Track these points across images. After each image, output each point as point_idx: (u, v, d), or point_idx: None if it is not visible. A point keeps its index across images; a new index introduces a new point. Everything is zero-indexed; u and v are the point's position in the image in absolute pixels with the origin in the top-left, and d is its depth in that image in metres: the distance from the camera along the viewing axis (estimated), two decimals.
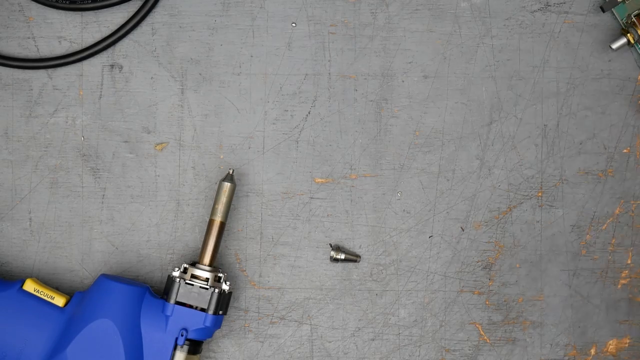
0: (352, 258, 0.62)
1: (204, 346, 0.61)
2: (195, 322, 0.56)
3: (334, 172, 0.62)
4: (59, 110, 0.62)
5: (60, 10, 0.62)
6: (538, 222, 0.62)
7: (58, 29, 0.62)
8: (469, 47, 0.62)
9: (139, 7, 0.61)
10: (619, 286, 0.62)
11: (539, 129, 0.62)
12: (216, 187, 0.62)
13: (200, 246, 0.62)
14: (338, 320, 0.62)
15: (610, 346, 0.62)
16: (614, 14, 0.61)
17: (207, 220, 0.61)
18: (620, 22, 0.61)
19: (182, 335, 0.56)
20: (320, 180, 0.62)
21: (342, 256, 0.61)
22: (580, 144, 0.62)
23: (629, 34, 0.59)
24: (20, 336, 0.56)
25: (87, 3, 0.61)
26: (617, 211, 0.62)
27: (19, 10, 0.62)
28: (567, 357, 0.62)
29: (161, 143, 0.62)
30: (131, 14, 0.62)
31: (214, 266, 0.59)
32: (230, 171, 0.58)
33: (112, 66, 0.62)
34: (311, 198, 0.62)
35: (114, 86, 0.62)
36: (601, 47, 0.62)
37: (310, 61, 0.62)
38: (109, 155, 0.62)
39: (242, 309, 0.62)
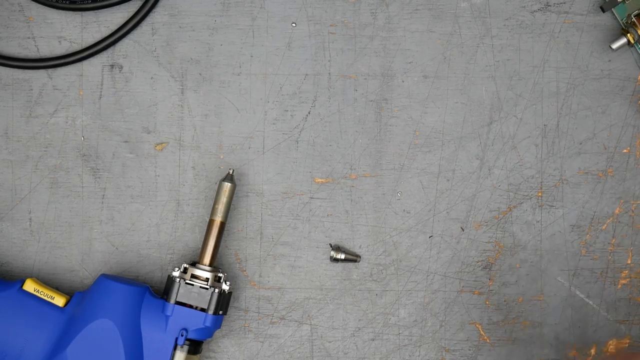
0: (352, 258, 0.62)
1: (204, 346, 0.61)
2: (195, 322, 0.56)
3: (334, 172, 0.62)
4: (59, 110, 0.62)
5: (60, 10, 0.62)
6: (538, 222, 0.62)
7: (58, 29, 0.62)
8: (469, 47, 0.62)
9: (139, 7, 0.61)
10: (619, 286, 0.62)
11: (539, 129, 0.62)
12: (216, 187, 0.62)
13: (200, 246, 0.62)
14: (338, 320, 0.62)
15: (610, 346, 0.62)
16: (614, 14, 0.61)
17: (207, 220, 0.61)
18: (620, 22, 0.61)
19: (182, 335, 0.56)
20: (320, 180, 0.62)
21: (342, 256, 0.61)
22: (580, 144, 0.62)
23: (629, 34, 0.59)
24: (20, 336, 0.56)
25: (87, 3, 0.61)
26: (617, 211, 0.62)
27: (19, 10, 0.62)
28: (567, 357, 0.62)
29: (161, 143, 0.62)
30: (131, 14, 0.62)
31: (214, 266, 0.59)
32: (230, 171, 0.58)
33: (112, 66, 0.62)
34: (311, 198, 0.62)
35: (114, 86, 0.62)
36: (601, 47, 0.62)
37: (310, 61, 0.62)
38: (109, 155, 0.62)
39: (242, 309, 0.62)
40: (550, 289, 0.62)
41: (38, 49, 0.62)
